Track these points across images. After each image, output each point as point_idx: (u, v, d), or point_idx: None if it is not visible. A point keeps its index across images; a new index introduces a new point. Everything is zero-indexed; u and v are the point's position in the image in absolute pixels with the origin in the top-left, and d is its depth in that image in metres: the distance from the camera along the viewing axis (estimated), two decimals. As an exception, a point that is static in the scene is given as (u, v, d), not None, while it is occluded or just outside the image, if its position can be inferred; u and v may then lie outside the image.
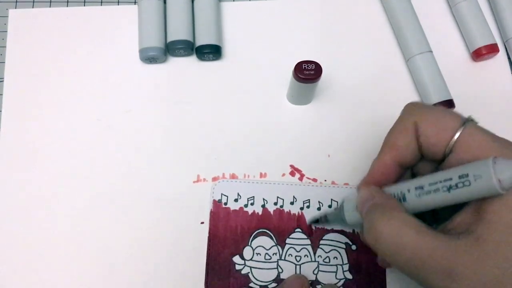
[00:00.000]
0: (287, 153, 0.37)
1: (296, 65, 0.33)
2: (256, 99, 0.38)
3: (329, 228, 0.34)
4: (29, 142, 0.37)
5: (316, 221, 0.34)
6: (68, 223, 0.35)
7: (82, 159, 0.36)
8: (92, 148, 0.37)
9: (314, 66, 0.33)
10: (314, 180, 0.36)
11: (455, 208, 0.24)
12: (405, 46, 0.39)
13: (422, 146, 0.26)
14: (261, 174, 0.36)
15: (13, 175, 0.36)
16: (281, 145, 0.37)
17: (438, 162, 0.27)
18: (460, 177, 0.22)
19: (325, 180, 0.36)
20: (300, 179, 0.36)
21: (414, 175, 0.29)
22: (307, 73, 0.33)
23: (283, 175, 0.36)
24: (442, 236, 0.22)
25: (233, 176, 0.36)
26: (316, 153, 0.37)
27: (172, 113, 0.38)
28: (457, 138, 0.25)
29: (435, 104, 0.36)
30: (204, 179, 0.36)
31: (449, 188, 0.23)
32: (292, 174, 0.36)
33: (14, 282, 0.33)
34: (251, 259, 0.34)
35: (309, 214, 0.35)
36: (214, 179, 0.36)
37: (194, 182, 0.36)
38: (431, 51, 0.38)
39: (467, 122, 0.25)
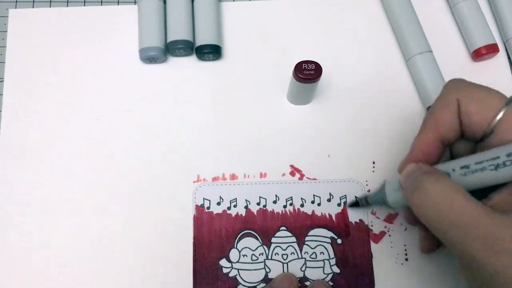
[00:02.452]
0: (287, 153, 0.37)
1: (296, 65, 0.33)
2: (256, 99, 0.38)
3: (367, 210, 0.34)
4: (29, 142, 0.37)
5: (356, 204, 0.34)
6: (67, 223, 0.35)
7: (82, 159, 0.36)
8: (92, 148, 0.37)
9: (314, 66, 0.33)
10: (314, 180, 0.36)
11: (490, 188, 0.24)
12: (405, 46, 0.39)
13: (463, 123, 0.26)
14: (261, 174, 0.36)
15: (13, 175, 0.36)
16: (281, 145, 0.37)
17: (476, 141, 0.27)
18: (508, 155, 0.22)
19: (325, 180, 0.36)
20: (300, 179, 0.36)
21: (452, 155, 0.29)
22: (307, 73, 0.33)
23: (283, 175, 0.36)
24: (487, 207, 0.22)
25: (233, 177, 0.36)
26: (316, 153, 0.37)
27: (172, 113, 0.38)
28: (500, 117, 0.24)
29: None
30: (204, 179, 0.36)
31: (497, 167, 0.23)
32: (292, 174, 0.36)
33: (13, 281, 0.33)
34: (237, 261, 0.34)
35: (294, 212, 0.35)
36: (214, 179, 0.36)
37: (194, 182, 0.36)
38: (431, 51, 0.38)
39: (511, 101, 0.25)
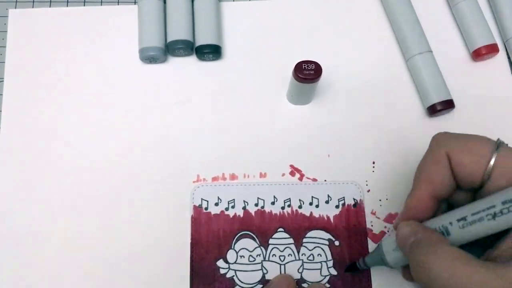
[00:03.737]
0: (287, 153, 0.37)
1: (296, 65, 0.33)
2: (256, 99, 0.38)
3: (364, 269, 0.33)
4: (29, 142, 0.37)
5: (353, 267, 0.32)
6: (67, 223, 0.35)
7: (82, 159, 0.36)
8: (92, 148, 0.37)
9: (314, 66, 0.33)
10: (314, 180, 0.36)
11: (494, 235, 0.24)
12: (405, 46, 0.39)
13: (458, 176, 0.26)
14: (261, 174, 0.36)
15: (13, 175, 0.36)
16: (281, 145, 0.37)
17: (475, 190, 0.26)
18: (503, 203, 0.22)
19: (325, 180, 0.36)
20: (300, 179, 0.36)
21: (450, 206, 0.28)
22: (307, 73, 0.33)
23: (283, 175, 0.36)
24: (492, 265, 0.22)
25: (233, 176, 0.36)
26: (316, 153, 0.37)
27: (172, 113, 0.38)
28: (493, 163, 0.24)
29: (434, 104, 0.37)
30: (204, 179, 0.36)
31: (494, 216, 0.23)
32: (292, 174, 0.36)
33: (13, 281, 0.33)
34: (235, 262, 0.34)
35: (292, 213, 0.35)
36: (214, 179, 0.36)
37: (194, 182, 0.36)
38: (431, 51, 0.38)
39: (500, 145, 0.25)
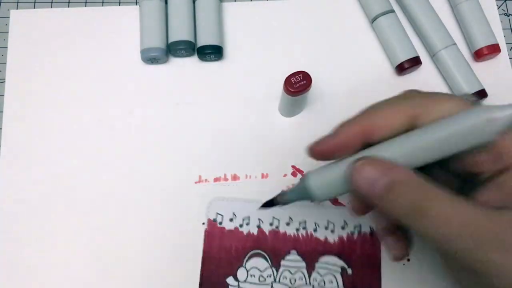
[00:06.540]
0: (289, 154, 0.37)
1: (286, 80, 0.32)
2: (258, 99, 0.38)
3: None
4: (31, 143, 0.37)
5: (270, 203, 0.27)
6: (68, 223, 0.35)
7: (83, 160, 0.36)
8: (94, 149, 0.37)
9: (301, 76, 0.32)
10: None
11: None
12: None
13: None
14: (262, 174, 0.36)
15: (14, 175, 0.36)
16: (282, 145, 0.37)
17: None
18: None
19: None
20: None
21: None
22: (298, 85, 0.32)
23: (285, 175, 0.36)
24: (490, 210, 0.21)
25: (234, 177, 0.36)
26: (317, 154, 0.37)
27: (173, 114, 0.38)
28: None
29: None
30: (206, 180, 0.36)
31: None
32: (294, 174, 0.36)
33: (14, 282, 0.33)
34: (245, 281, 0.33)
35: (307, 236, 0.34)
36: (216, 179, 0.36)
37: (195, 182, 0.36)
38: (432, 52, 0.38)
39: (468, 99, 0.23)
